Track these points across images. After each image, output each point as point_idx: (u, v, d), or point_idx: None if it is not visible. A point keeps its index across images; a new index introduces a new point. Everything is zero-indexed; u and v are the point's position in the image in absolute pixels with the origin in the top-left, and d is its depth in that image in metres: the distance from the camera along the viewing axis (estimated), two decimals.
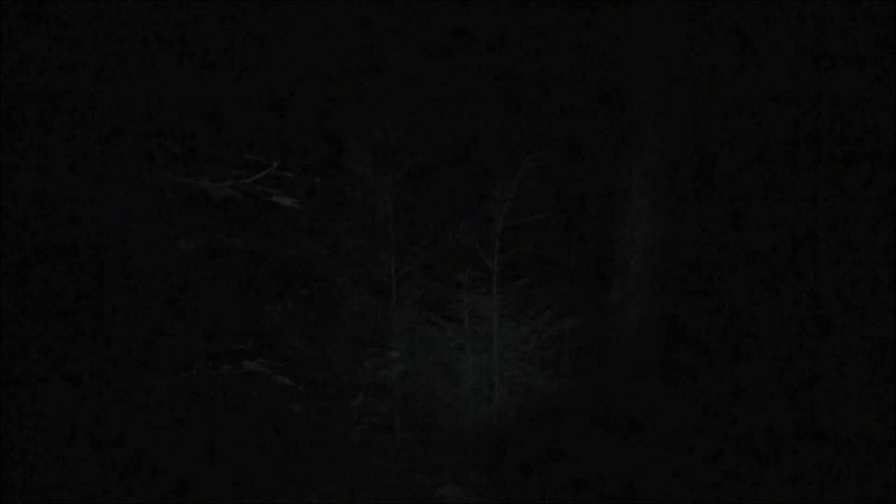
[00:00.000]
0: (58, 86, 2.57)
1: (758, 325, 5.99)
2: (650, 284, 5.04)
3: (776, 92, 6.15)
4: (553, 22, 6.43)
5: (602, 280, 5.43)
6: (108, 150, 2.48)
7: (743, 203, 6.38)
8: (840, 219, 5.89)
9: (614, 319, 5.14)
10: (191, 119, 3.89)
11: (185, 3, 3.90)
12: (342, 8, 5.59)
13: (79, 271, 2.63)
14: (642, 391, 4.93)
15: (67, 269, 2.60)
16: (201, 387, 3.03)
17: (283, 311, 4.44)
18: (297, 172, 2.67)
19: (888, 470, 3.91)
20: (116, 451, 2.80)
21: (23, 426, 2.45)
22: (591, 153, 6.46)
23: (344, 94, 5.23)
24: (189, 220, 2.89)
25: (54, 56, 2.58)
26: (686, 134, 5.42)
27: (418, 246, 5.03)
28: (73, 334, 2.62)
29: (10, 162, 2.38)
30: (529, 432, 4.70)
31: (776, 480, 3.95)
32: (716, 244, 6.40)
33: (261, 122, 5.05)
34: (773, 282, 6.14)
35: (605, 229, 5.44)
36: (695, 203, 6.34)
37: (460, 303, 5.07)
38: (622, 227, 5.11)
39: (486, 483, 4.14)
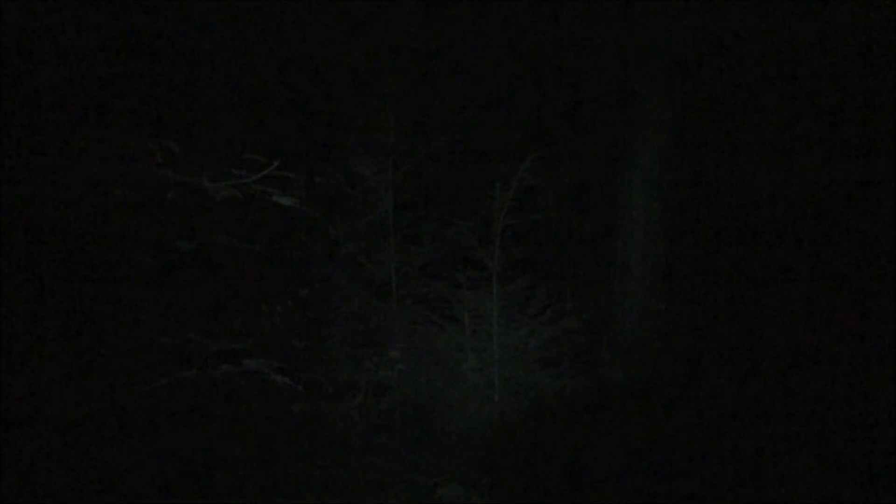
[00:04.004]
0: (58, 85, 2.56)
1: (760, 323, 5.98)
2: (650, 284, 5.04)
3: (779, 91, 6.14)
4: (554, 21, 6.43)
5: (602, 280, 5.42)
6: (109, 150, 2.48)
7: (744, 202, 6.37)
8: (843, 216, 5.89)
9: (614, 319, 5.14)
10: (191, 119, 3.89)
11: (187, 1, 3.90)
12: (343, 8, 5.59)
13: (78, 271, 2.63)
14: (643, 391, 4.92)
15: (67, 268, 2.60)
16: (201, 387, 3.03)
17: (283, 311, 4.45)
18: (297, 172, 2.67)
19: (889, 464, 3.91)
20: (116, 451, 2.80)
21: (22, 425, 2.45)
22: (591, 153, 6.45)
23: (344, 94, 5.23)
24: (189, 220, 2.89)
25: (55, 56, 2.57)
26: (687, 133, 5.42)
27: (418, 246, 5.03)
28: (72, 334, 2.62)
29: (10, 162, 2.38)
30: (530, 432, 4.70)
31: (780, 480, 3.95)
32: (717, 243, 6.40)
33: (261, 122, 5.05)
34: (776, 279, 6.13)
35: (606, 229, 5.44)
36: (695, 202, 6.33)
37: (460, 303, 5.07)
38: (622, 227, 5.11)
39: (486, 483, 4.13)
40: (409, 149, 4.93)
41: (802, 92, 6.08)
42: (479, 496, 3.99)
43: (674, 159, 5.12)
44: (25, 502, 2.43)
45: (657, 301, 5.07)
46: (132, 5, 3.09)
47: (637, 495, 3.88)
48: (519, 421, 4.83)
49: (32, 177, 2.42)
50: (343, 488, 3.92)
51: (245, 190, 2.58)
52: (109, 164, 2.49)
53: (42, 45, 2.54)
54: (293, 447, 4.17)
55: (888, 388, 4.78)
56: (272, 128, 5.07)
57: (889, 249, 5.51)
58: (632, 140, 5.05)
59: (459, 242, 5.08)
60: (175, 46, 3.60)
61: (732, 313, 6.16)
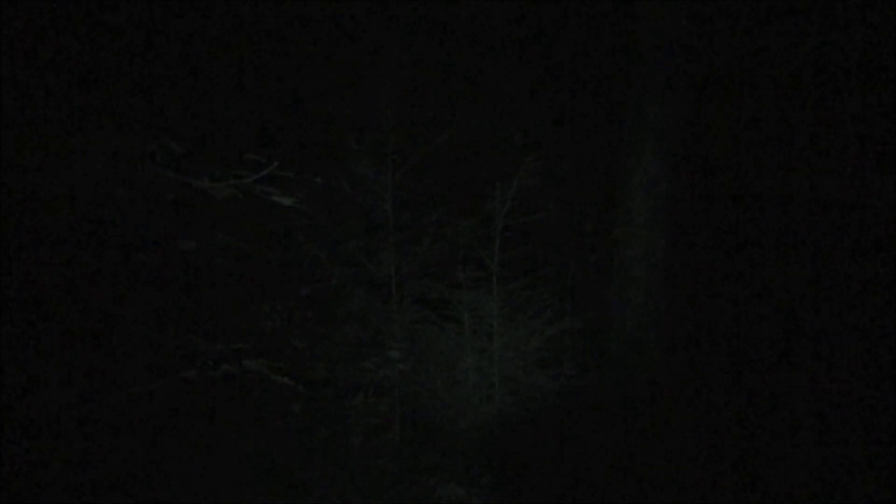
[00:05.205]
0: (58, 85, 2.56)
1: (761, 324, 5.98)
2: (650, 284, 5.04)
3: (781, 90, 6.14)
4: (557, 20, 6.43)
5: (602, 280, 5.42)
6: (109, 150, 2.48)
7: (746, 202, 6.37)
8: (846, 217, 5.88)
9: (614, 319, 5.13)
10: (191, 119, 3.89)
11: (186, 1, 3.90)
12: (343, 8, 5.59)
13: (78, 271, 2.63)
14: (643, 391, 4.92)
15: (67, 268, 2.60)
16: (201, 387, 3.02)
17: (283, 311, 4.44)
18: (297, 172, 2.67)
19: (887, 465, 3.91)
20: (116, 452, 2.80)
21: (22, 426, 2.45)
22: (591, 152, 6.45)
23: (344, 94, 5.23)
24: (189, 220, 2.89)
25: (55, 55, 2.57)
26: (687, 132, 5.41)
27: (418, 246, 5.03)
28: (72, 334, 2.62)
29: (10, 161, 2.38)
30: (529, 432, 4.70)
31: (780, 480, 3.95)
32: (718, 243, 6.40)
33: (261, 122, 5.05)
34: (777, 280, 6.13)
35: (606, 229, 5.44)
36: (696, 202, 6.33)
37: (460, 303, 5.07)
38: (622, 227, 5.11)
39: (486, 483, 4.14)
40: (409, 149, 4.93)
41: (805, 94, 6.08)
42: (479, 496, 3.99)
43: (675, 160, 5.11)
44: (26, 502, 2.43)
45: (657, 302, 5.06)
46: (132, 4, 3.10)
47: (637, 495, 3.88)
48: (519, 421, 4.83)
49: (32, 177, 2.41)
50: (343, 488, 3.92)
51: (245, 190, 2.58)
52: (109, 164, 2.49)
53: (42, 44, 2.54)
54: (293, 447, 4.17)
55: (889, 388, 4.78)
56: (272, 128, 5.07)
57: (890, 251, 5.51)
58: (633, 140, 5.05)
59: (459, 242, 5.08)
60: (175, 46, 3.60)
61: (733, 314, 6.16)
